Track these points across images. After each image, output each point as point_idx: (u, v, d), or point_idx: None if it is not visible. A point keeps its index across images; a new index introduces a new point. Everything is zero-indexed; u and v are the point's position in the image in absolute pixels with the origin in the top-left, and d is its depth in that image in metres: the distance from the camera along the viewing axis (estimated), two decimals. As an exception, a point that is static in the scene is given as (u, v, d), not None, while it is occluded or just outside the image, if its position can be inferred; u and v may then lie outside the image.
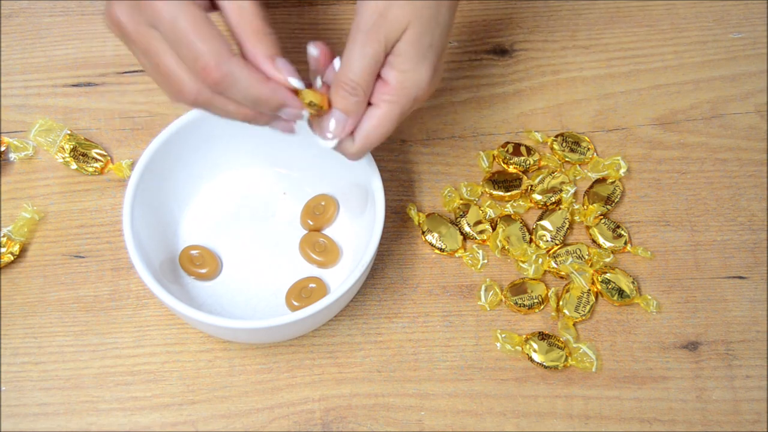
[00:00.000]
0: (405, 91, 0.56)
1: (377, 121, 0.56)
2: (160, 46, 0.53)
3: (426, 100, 0.59)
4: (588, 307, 0.67)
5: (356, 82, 0.55)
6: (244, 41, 0.54)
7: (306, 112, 0.56)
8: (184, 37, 0.51)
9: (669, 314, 0.68)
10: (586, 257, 0.69)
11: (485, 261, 0.69)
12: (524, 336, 0.66)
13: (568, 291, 0.67)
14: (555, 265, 0.68)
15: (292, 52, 0.77)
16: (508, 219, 0.70)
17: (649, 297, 0.68)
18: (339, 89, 0.55)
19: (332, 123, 0.56)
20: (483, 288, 0.68)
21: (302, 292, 0.66)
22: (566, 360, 0.65)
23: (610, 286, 0.68)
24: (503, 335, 0.66)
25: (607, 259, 0.68)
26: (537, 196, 0.71)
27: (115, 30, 0.55)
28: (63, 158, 0.71)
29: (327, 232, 0.69)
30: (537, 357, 0.65)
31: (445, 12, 0.56)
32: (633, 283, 0.68)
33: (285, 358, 0.66)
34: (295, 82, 0.54)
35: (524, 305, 0.67)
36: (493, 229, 0.70)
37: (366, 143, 0.57)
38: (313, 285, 0.66)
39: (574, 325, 0.67)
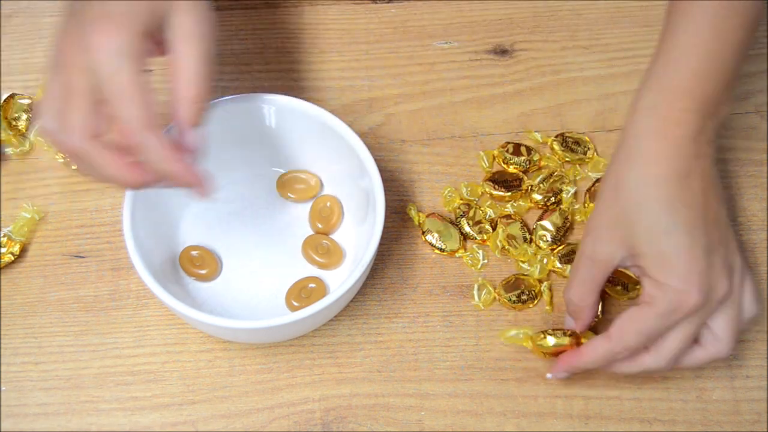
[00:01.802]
0: (659, 297, 0.58)
1: (633, 316, 0.59)
2: (78, 84, 0.52)
3: (705, 304, 0.58)
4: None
5: (573, 301, 0.62)
6: (174, 102, 0.54)
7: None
8: (118, 92, 0.51)
9: (669, 314, 0.68)
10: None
11: (485, 261, 0.69)
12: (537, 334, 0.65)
13: None
14: (559, 265, 0.68)
15: (293, 52, 0.77)
16: (508, 219, 0.70)
17: None
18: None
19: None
20: (476, 287, 0.68)
21: (302, 292, 0.66)
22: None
23: (615, 284, 0.67)
24: (520, 333, 0.65)
25: (608, 259, 0.68)
26: (537, 196, 0.71)
27: (57, 53, 0.54)
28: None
29: (327, 232, 0.69)
30: (552, 340, 0.64)
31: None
32: (636, 276, 0.68)
33: (285, 358, 0.66)
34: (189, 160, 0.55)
35: (518, 301, 0.67)
36: (493, 229, 0.70)
37: (622, 336, 0.59)
38: (313, 285, 0.66)
39: None
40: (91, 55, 0.51)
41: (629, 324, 0.58)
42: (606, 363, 0.60)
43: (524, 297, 0.67)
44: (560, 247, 0.69)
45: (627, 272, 0.68)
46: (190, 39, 0.54)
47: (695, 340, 0.60)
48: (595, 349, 0.60)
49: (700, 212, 0.58)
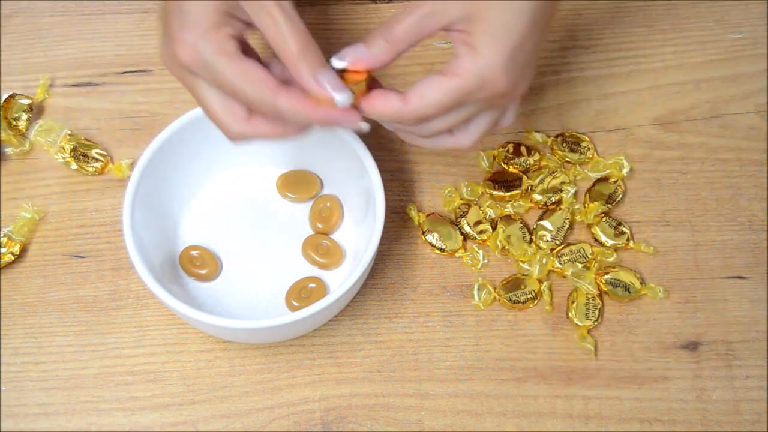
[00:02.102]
0: (470, 70, 0.54)
1: (435, 85, 0.54)
2: (204, 93, 0.55)
3: (505, 96, 0.55)
4: (597, 312, 0.67)
5: (393, 34, 0.54)
6: (286, 64, 0.54)
7: (365, 125, 0.55)
8: (226, 85, 0.53)
9: (669, 314, 0.68)
10: (590, 256, 0.68)
11: (485, 261, 0.69)
12: None
13: (574, 301, 0.67)
14: (559, 265, 0.68)
15: (292, 52, 0.77)
16: (508, 219, 0.70)
17: (653, 285, 0.68)
18: (373, 34, 0.55)
19: (350, 49, 0.55)
20: (476, 287, 0.68)
21: (302, 292, 0.66)
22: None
23: (616, 286, 0.68)
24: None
25: (611, 259, 0.68)
26: (537, 197, 0.71)
27: (170, 72, 0.56)
28: (63, 158, 0.71)
29: (327, 232, 0.69)
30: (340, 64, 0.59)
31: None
32: (636, 276, 0.68)
33: (285, 358, 0.66)
34: (342, 99, 0.54)
35: (518, 301, 0.67)
36: (493, 229, 0.70)
37: (419, 102, 0.54)
38: (313, 285, 0.66)
39: (588, 332, 0.67)
40: (190, 68, 0.54)
41: (429, 92, 0.54)
42: (389, 121, 0.57)
43: (524, 297, 0.67)
44: (560, 247, 0.69)
45: (629, 273, 0.68)
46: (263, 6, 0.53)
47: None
48: (386, 102, 0.55)
49: (540, 12, 0.55)
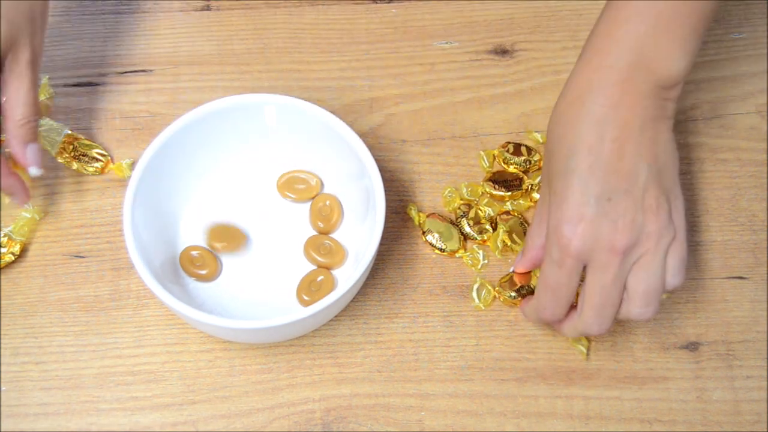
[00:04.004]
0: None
1: None
2: None
3: None
4: None
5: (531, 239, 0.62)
6: (5, 122, 0.62)
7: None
8: None
9: (669, 314, 0.68)
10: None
11: (485, 261, 0.69)
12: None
13: None
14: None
15: (293, 52, 0.77)
16: (507, 214, 0.70)
17: None
18: None
19: None
20: (475, 288, 0.68)
21: (311, 286, 0.66)
22: None
23: None
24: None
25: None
26: (537, 196, 0.71)
27: None
28: (63, 158, 0.71)
29: (327, 232, 0.69)
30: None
31: None
32: None
33: (285, 358, 0.66)
34: (35, 172, 0.64)
35: (519, 297, 0.67)
36: (494, 229, 0.70)
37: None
38: (322, 277, 0.66)
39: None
40: None
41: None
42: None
43: (524, 291, 0.67)
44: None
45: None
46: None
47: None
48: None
49: (603, 158, 0.56)
